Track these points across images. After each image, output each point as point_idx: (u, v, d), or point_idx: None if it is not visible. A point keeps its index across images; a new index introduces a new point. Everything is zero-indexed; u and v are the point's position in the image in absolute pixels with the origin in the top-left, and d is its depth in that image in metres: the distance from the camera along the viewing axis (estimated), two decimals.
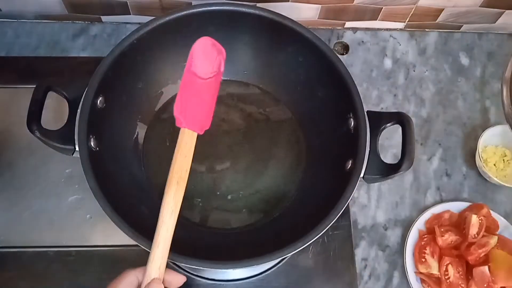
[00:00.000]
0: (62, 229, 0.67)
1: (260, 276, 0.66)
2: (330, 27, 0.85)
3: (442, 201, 0.74)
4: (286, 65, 0.68)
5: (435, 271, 0.66)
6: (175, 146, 0.64)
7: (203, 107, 0.49)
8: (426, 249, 0.68)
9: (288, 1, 0.77)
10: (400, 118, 0.56)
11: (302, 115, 0.69)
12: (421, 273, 0.67)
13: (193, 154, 0.47)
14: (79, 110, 0.54)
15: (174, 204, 0.45)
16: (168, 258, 0.48)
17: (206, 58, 0.49)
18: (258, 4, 0.63)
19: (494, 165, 0.74)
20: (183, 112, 0.47)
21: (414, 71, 0.83)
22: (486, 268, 0.64)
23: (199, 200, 0.65)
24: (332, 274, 0.67)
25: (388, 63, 0.84)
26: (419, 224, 0.70)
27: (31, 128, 0.53)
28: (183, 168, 0.46)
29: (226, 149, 0.68)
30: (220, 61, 0.51)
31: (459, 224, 0.69)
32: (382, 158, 0.55)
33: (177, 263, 0.64)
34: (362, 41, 0.85)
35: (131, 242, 0.50)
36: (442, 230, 0.68)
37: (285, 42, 0.64)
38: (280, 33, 0.63)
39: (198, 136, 0.49)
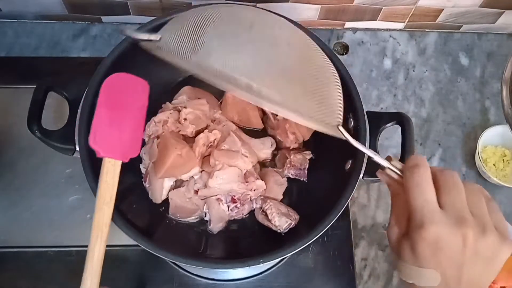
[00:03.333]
0: (63, 229, 0.67)
1: (260, 276, 0.66)
2: (330, 28, 0.85)
3: None
4: None
5: None
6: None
7: (122, 136, 0.50)
8: None
9: (288, 1, 0.77)
10: (400, 118, 0.56)
11: None
12: None
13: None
14: (79, 110, 0.54)
15: (100, 230, 0.47)
16: (169, 258, 0.48)
17: (117, 93, 0.51)
18: (258, 5, 0.63)
19: (494, 165, 0.74)
20: (97, 143, 0.49)
21: (413, 71, 0.83)
22: None
23: None
24: (332, 274, 0.67)
25: (387, 63, 0.84)
26: None
27: (31, 128, 0.53)
28: (107, 195, 0.48)
29: None
30: (137, 95, 0.53)
31: None
32: None
33: (177, 263, 0.64)
34: (362, 41, 0.85)
35: (131, 242, 0.50)
36: None
37: None
38: None
39: None
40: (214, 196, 0.60)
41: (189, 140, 0.62)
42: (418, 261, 0.39)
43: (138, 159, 0.65)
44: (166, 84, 0.68)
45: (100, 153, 0.49)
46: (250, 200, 0.62)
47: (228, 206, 0.61)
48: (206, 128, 0.64)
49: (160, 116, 0.63)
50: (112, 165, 0.49)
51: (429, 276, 0.39)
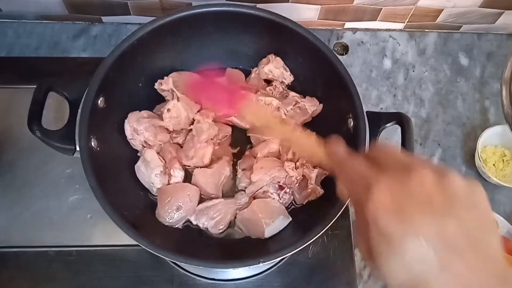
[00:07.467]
0: (63, 229, 0.67)
1: (260, 276, 0.66)
2: (329, 28, 0.85)
3: None
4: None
5: None
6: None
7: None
8: None
9: (288, 1, 0.77)
10: (400, 118, 0.57)
11: None
12: None
13: None
14: (79, 110, 0.54)
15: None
16: (169, 258, 0.49)
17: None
18: (258, 5, 0.64)
19: (494, 165, 0.74)
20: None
21: (413, 71, 0.83)
22: None
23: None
24: (332, 274, 0.67)
25: (387, 63, 0.84)
26: None
27: (31, 128, 0.53)
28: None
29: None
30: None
31: None
32: None
33: (177, 262, 0.64)
34: (362, 42, 0.85)
35: (131, 242, 0.50)
36: None
37: (284, 42, 0.64)
38: (280, 34, 0.63)
39: None
40: (260, 190, 0.61)
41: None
42: (382, 230, 0.30)
43: (136, 159, 0.65)
44: None
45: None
46: (296, 180, 0.61)
47: (279, 195, 0.61)
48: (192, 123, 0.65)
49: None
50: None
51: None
